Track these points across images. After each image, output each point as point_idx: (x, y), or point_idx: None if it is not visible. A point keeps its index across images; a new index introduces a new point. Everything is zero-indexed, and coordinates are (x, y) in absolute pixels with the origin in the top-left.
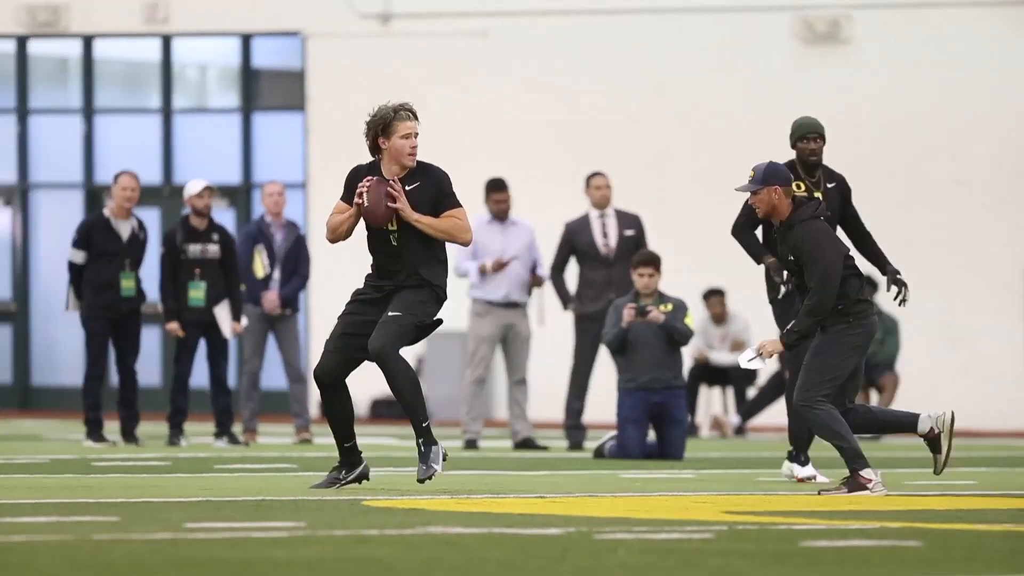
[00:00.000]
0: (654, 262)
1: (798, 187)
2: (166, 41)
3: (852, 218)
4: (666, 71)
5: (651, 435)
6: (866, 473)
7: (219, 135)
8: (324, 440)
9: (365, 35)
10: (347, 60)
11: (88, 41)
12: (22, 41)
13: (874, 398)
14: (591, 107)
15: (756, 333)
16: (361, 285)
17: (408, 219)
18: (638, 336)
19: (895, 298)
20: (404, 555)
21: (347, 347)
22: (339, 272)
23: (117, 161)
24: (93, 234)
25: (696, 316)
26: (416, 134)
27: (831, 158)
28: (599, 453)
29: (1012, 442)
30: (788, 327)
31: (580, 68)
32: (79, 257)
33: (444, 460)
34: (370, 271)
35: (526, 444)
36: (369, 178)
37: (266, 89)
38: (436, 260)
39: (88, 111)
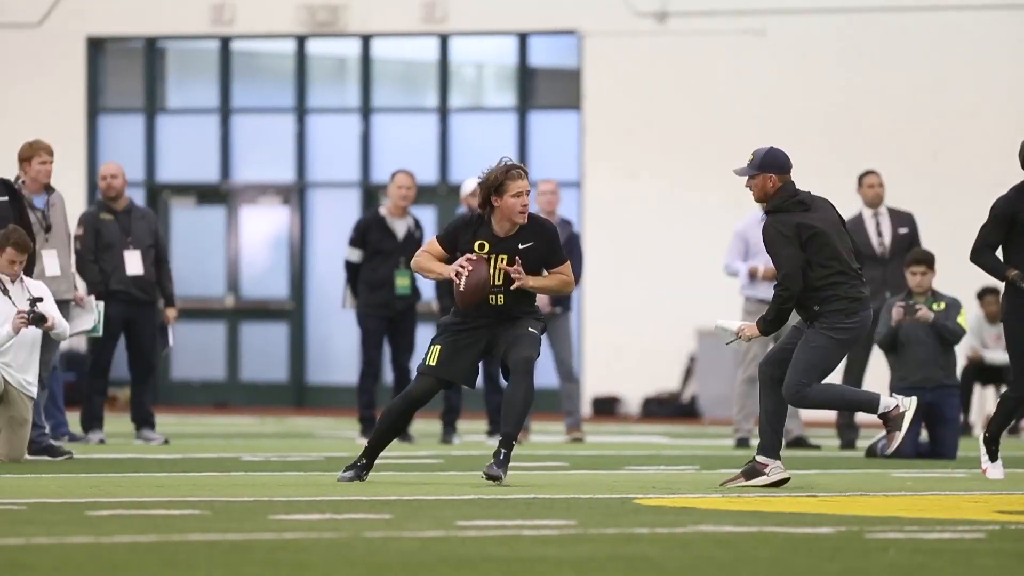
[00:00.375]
0: (927, 260)
1: None
2: (443, 40)
3: None
4: (942, 68)
5: (923, 434)
6: (762, 459)
7: (495, 134)
8: (596, 439)
9: (641, 33)
10: (623, 58)
11: (366, 40)
12: (301, 41)
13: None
14: (865, 104)
15: None
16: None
17: (525, 286)
18: (909, 335)
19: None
20: (674, 554)
21: (445, 373)
22: (611, 271)
23: (393, 160)
24: (369, 232)
25: (970, 315)
26: (528, 192)
27: None
28: (871, 452)
29: None
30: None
31: (855, 65)
32: (355, 256)
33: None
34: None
35: (798, 443)
36: (470, 257)
37: (542, 88)
38: (532, 299)
39: (365, 110)
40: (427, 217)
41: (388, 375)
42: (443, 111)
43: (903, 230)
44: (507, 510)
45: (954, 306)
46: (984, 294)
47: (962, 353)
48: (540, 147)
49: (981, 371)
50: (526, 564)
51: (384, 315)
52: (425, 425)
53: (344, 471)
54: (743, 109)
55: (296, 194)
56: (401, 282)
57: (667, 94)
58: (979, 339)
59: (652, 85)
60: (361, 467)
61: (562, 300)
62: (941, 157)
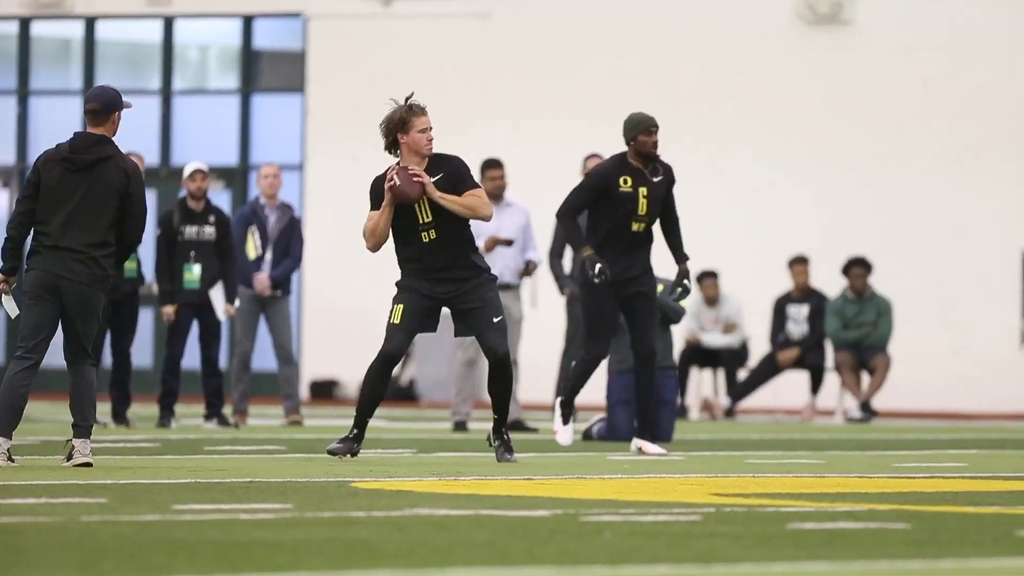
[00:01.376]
0: None
1: (624, 182)
2: (168, 22)
3: (669, 206)
4: (672, 49)
5: None
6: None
7: (218, 117)
8: (315, 422)
9: (366, 16)
10: (348, 42)
11: (91, 23)
12: (25, 22)
13: (866, 380)
14: (592, 88)
15: (749, 315)
16: (401, 278)
17: (432, 196)
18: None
19: (670, 295)
20: (390, 536)
21: (413, 328)
22: (333, 255)
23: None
24: None
25: (689, 297)
26: (431, 127)
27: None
28: (587, 435)
29: (1003, 424)
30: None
31: (582, 48)
32: None
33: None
34: (407, 269)
35: (515, 426)
36: (391, 167)
37: (266, 70)
38: (471, 245)
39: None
40: (149, 200)
41: (107, 357)
42: (166, 94)
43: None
44: (223, 494)
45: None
46: (702, 277)
47: (680, 335)
48: (263, 130)
49: (698, 353)
50: (242, 547)
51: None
52: (142, 409)
53: (336, 444)
54: (468, 92)
55: (16, 176)
56: (129, 265)
57: (392, 77)
58: (697, 322)
59: (377, 69)
60: (352, 439)
61: (282, 283)
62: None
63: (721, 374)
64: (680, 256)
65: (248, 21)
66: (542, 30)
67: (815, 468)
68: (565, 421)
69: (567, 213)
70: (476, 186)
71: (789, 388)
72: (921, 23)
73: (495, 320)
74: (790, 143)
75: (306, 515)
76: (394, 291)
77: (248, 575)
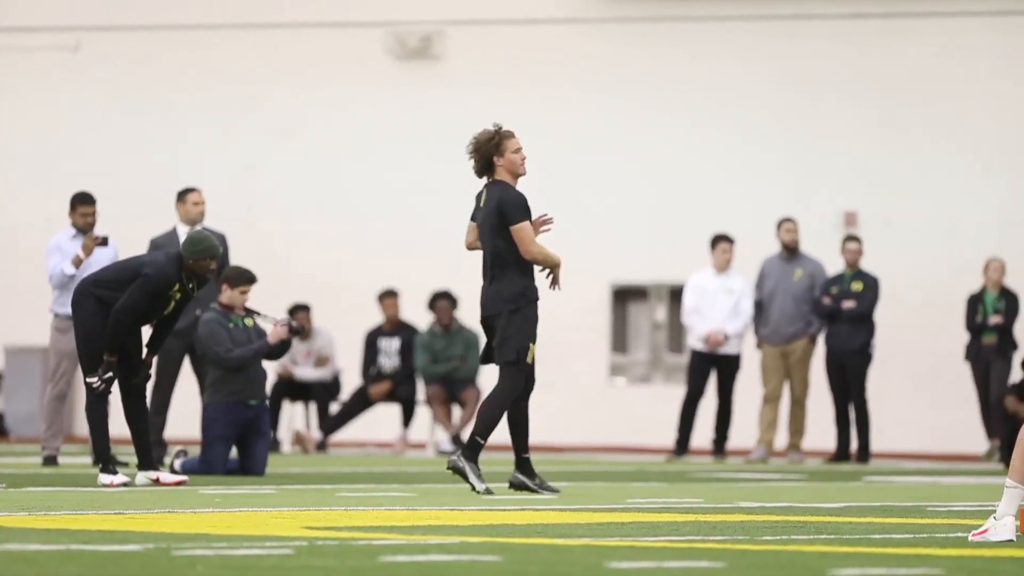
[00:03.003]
0: (254, 280)
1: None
2: None
3: None
4: (260, 84)
5: (233, 450)
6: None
7: None
8: None
9: None
10: None
11: None
12: None
13: (457, 413)
14: (187, 120)
15: (340, 348)
16: None
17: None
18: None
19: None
20: None
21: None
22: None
23: None
24: None
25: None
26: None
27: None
28: (172, 469)
29: (594, 456)
30: None
31: (174, 81)
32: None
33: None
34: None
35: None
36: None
37: None
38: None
39: None
40: None
41: None
42: None
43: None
44: None
45: (264, 319)
46: (295, 311)
47: (272, 369)
48: None
49: (290, 386)
50: None
51: None
52: None
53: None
54: (57, 124)
55: None
56: None
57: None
58: (289, 355)
59: None
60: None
61: None
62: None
63: (313, 407)
64: None
65: None
66: (132, 64)
67: (407, 501)
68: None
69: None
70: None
71: (382, 421)
72: (508, 55)
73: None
74: (380, 177)
75: None
76: None
77: None
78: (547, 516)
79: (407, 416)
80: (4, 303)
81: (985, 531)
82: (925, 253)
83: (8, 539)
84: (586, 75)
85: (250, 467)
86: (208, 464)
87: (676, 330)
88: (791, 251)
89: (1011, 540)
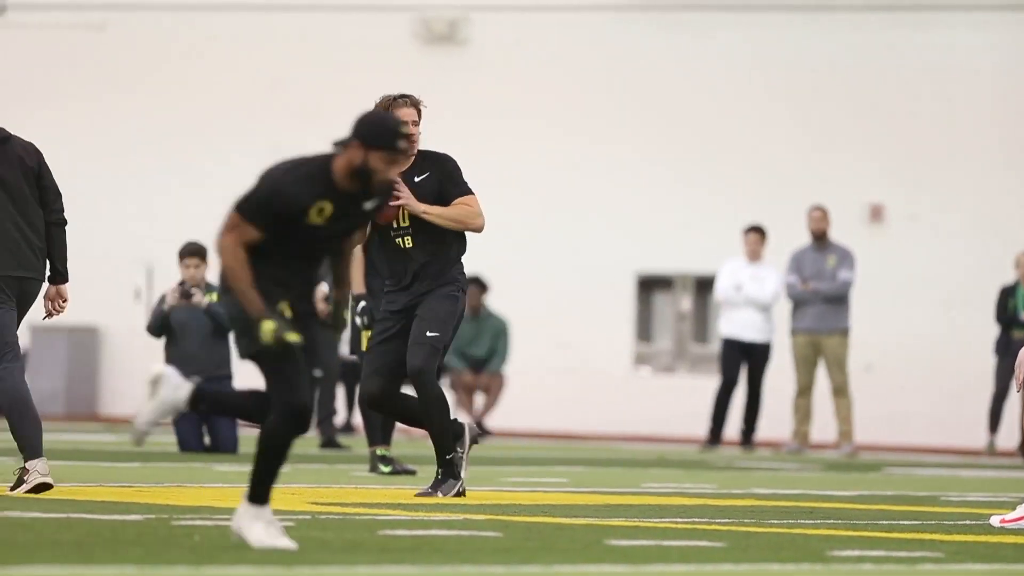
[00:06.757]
0: (199, 253)
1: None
2: None
3: None
4: (285, 67)
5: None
6: None
7: None
8: None
9: None
10: None
11: None
12: None
13: (480, 399)
14: (212, 103)
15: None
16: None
17: (415, 212)
18: (183, 323)
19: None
20: None
21: (385, 368)
22: None
23: None
24: None
25: None
26: (415, 122)
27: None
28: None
29: (612, 444)
30: None
31: (198, 62)
32: None
33: (455, 495)
34: (386, 285)
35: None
36: None
37: None
38: (454, 256)
39: None
40: None
41: None
42: None
43: None
44: None
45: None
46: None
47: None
48: None
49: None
50: None
51: None
52: None
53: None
54: (82, 103)
55: None
56: None
57: (5, 86)
58: None
59: None
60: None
61: None
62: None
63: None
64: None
65: None
66: (157, 43)
67: (417, 481)
68: None
69: None
70: (468, 192)
71: None
72: (535, 41)
73: (428, 333)
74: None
75: None
76: None
77: None
78: (555, 497)
79: None
80: None
81: (1021, 518)
82: (952, 247)
83: (10, 507)
84: (612, 62)
85: (218, 445)
86: (184, 442)
87: (701, 320)
88: (821, 239)
89: None
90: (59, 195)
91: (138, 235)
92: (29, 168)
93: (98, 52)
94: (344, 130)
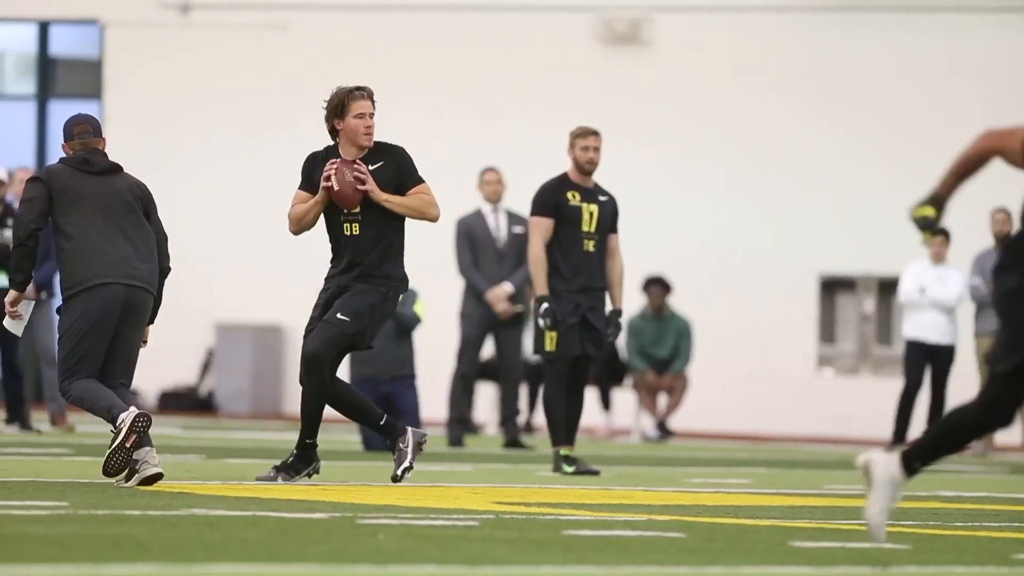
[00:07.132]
0: None
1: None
2: None
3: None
4: (468, 68)
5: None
6: None
7: (14, 123)
8: (95, 427)
9: (164, 25)
10: (145, 49)
11: None
12: None
13: (663, 400)
14: (395, 102)
15: None
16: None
17: (377, 200)
18: None
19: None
20: (161, 533)
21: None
22: None
23: None
24: None
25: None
26: (371, 114)
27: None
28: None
29: (795, 446)
30: None
31: (382, 62)
32: None
33: (420, 449)
34: (331, 264)
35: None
36: (334, 160)
37: (63, 77)
38: (396, 249)
39: None
40: None
41: None
42: None
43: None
44: (2, 492)
45: (410, 295)
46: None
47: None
48: (61, 136)
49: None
50: (7, 541)
51: None
52: None
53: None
54: (266, 102)
55: None
56: None
57: (190, 86)
58: None
59: (175, 77)
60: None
61: (45, 286)
62: (465, 156)
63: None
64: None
65: (44, 26)
66: (341, 43)
67: (601, 481)
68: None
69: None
70: (421, 182)
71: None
72: (716, 42)
73: (338, 316)
74: None
75: (79, 512)
76: (193, 302)
77: (9, 566)
78: (738, 498)
79: (605, 400)
80: (213, 280)
81: None
82: None
83: (196, 504)
84: (795, 63)
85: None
86: (366, 440)
87: (885, 322)
88: (1004, 241)
89: None
90: (166, 238)
91: (321, 231)
92: (136, 198)
93: (282, 52)
94: (526, 131)
